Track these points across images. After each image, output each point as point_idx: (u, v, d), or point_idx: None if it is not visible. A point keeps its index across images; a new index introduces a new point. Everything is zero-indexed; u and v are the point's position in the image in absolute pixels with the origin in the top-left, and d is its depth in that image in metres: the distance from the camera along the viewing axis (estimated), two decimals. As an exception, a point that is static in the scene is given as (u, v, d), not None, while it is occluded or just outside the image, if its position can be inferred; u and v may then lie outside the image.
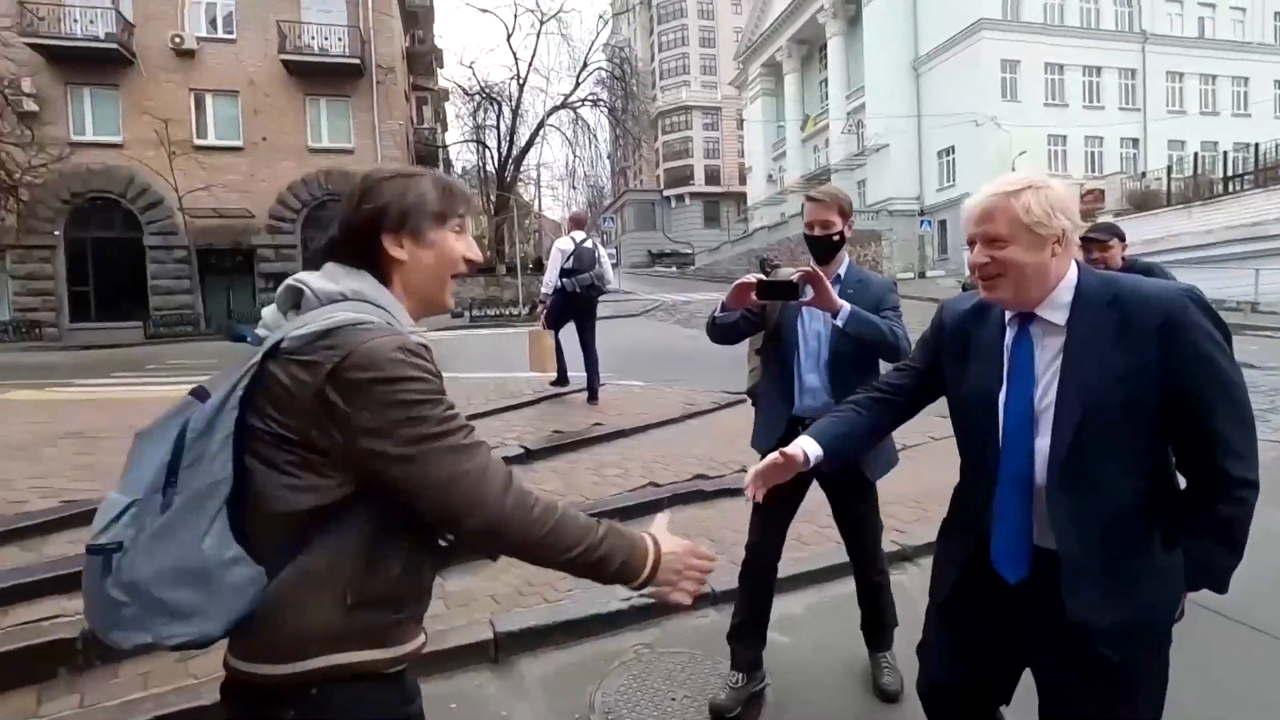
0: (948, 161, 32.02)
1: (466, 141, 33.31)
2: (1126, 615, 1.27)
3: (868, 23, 34.31)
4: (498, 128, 30.27)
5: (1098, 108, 31.35)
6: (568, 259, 6.31)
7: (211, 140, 20.47)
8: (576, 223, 6.96)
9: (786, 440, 2.06)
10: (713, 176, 61.17)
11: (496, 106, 29.94)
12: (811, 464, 1.48)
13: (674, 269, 47.34)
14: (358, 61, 20.87)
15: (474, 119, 31.48)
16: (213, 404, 0.99)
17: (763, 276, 2.17)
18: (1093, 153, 31.44)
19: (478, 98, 30.36)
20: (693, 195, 60.71)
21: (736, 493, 4.32)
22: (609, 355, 11.04)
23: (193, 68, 20.22)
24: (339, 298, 1.06)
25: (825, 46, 38.90)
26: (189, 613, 0.94)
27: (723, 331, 2.42)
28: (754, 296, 2.12)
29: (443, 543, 1.14)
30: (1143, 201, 22.58)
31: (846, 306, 2.18)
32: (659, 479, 4.48)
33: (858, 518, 2.48)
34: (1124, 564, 1.28)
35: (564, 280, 6.30)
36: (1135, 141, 31.87)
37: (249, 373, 0.99)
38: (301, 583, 0.98)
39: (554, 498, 1.11)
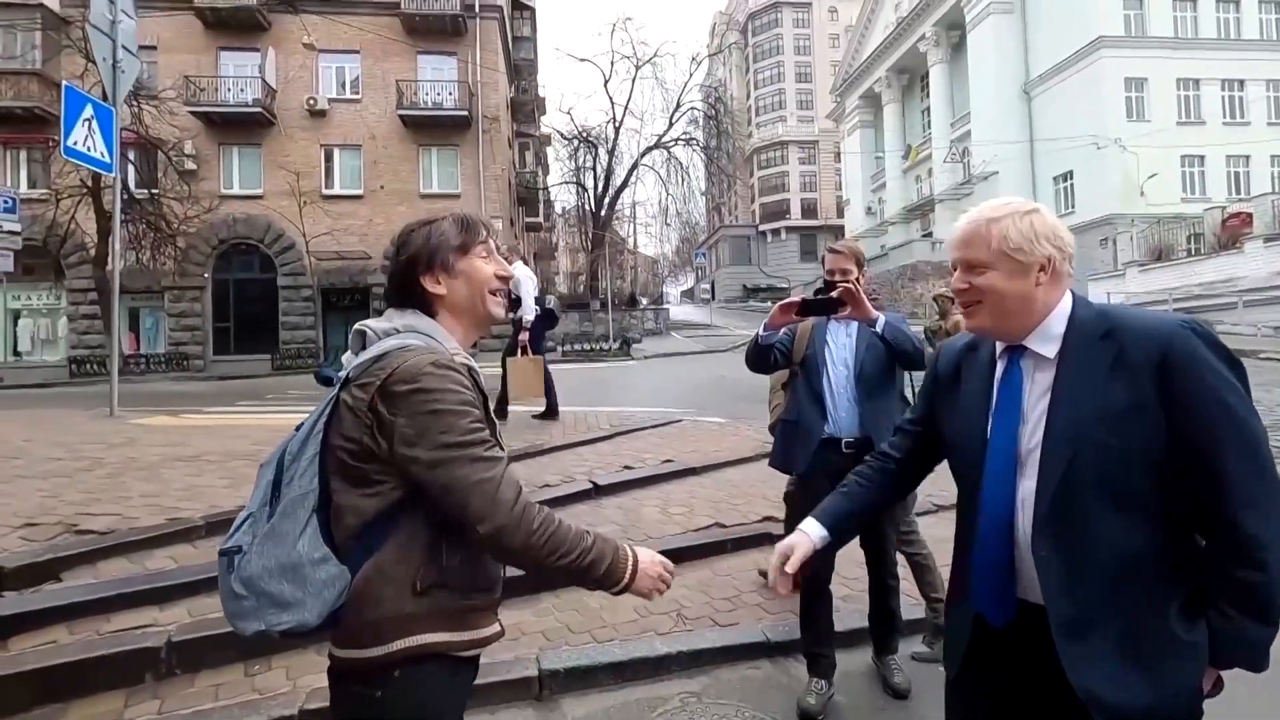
0: (1065, 187, 30.08)
1: (565, 183, 34.78)
2: (1145, 695, 1.11)
3: (973, 48, 33.18)
4: (594, 169, 31.44)
5: (1242, 124, 28.56)
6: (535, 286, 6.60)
7: (337, 190, 22.48)
8: (515, 251, 7.45)
9: (819, 459, 2.57)
10: (809, 210, 60.39)
11: (593, 149, 31.16)
12: (817, 546, 1.39)
13: (769, 304, 46.75)
14: (466, 114, 22.36)
15: (572, 161, 32.89)
16: (304, 431, 1.21)
17: (806, 297, 2.32)
18: (1236, 173, 28.57)
19: (576, 141, 31.74)
20: (789, 229, 60.11)
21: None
22: (695, 390, 11.03)
23: (323, 125, 22.38)
24: (394, 333, 1.25)
25: (927, 75, 37.93)
26: (290, 603, 1.12)
27: (761, 352, 2.61)
28: (796, 314, 2.31)
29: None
30: (1300, 225, 20.16)
31: (881, 315, 2.49)
32: (726, 520, 4.36)
33: (876, 522, 2.63)
34: (1134, 631, 1.13)
35: (544, 307, 6.57)
36: (1290, 159, 28.67)
37: (330, 404, 1.21)
38: (377, 577, 1.15)
39: (550, 511, 1.22)
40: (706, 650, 2.97)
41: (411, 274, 1.29)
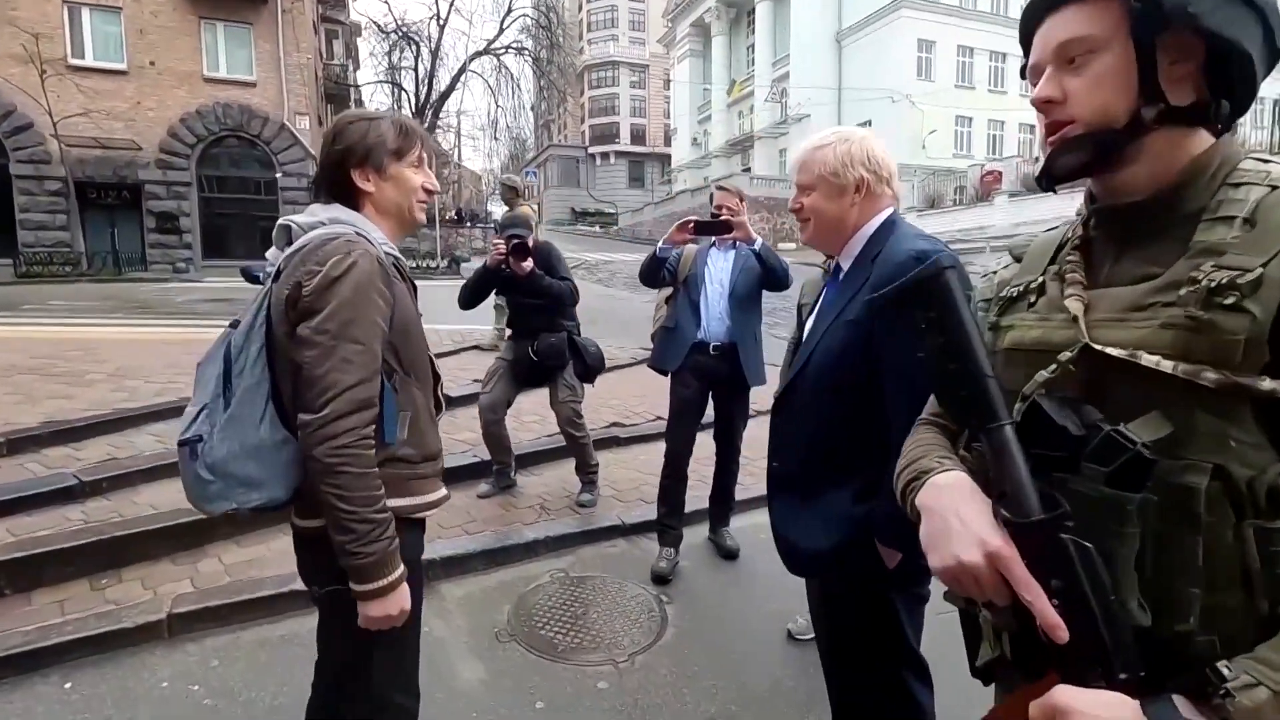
0: (864, 135, 33.14)
1: (381, 82, 31.61)
2: (822, 541, 1.35)
3: (795, -10, 34.60)
4: (415, 70, 28.90)
5: (1001, 92, 33.12)
6: None
7: (89, 61, 18.45)
8: None
9: (690, 358, 3.01)
10: (638, 136, 60.58)
11: (414, 47, 28.51)
12: None
13: (597, 228, 46.98)
14: (260, -15, 19.28)
15: (389, 59, 29.86)
16: (244, 327, 1.25)
17: (699, 218, 2.89)
18: (994, 135, 33.35)
19: (394, 36, 28.76)
20: (618, 154, 60.01)
21: (647, 439, 4.62)
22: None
23: (65, -24, 18.10)
24: (319, 226, 1.29)
25: (754, 11, 38.98)
26: (258, 482, 1.22)
27: (655, 264, 3.03)
28: (691, 232, 2.84)
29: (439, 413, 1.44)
30: (1034, 184, 24.29)
31: (759, 238, 3.01)
32: (576, 426, 4.70)
33: (729, 414, 3.19)
34: (818, 491, 1.36)
35: None
36: (1032, 128, 33.87)
37: (264, 298, 1.26)
38: None
39: (378, 477, 1.22)
40: (570, 534, 3.33)
41: (344, 166, 1.32)
